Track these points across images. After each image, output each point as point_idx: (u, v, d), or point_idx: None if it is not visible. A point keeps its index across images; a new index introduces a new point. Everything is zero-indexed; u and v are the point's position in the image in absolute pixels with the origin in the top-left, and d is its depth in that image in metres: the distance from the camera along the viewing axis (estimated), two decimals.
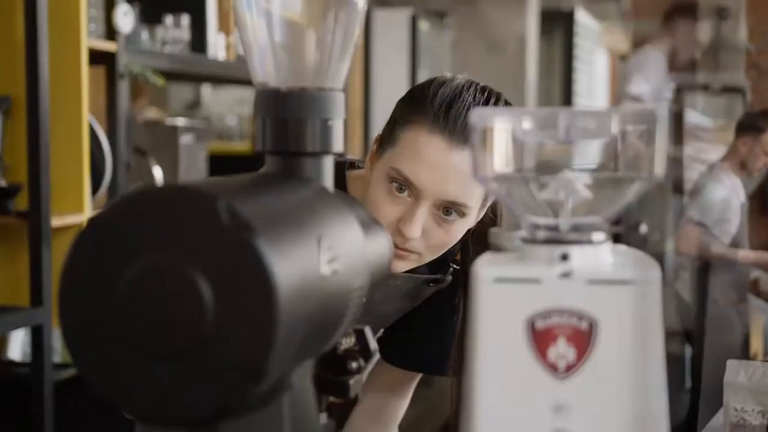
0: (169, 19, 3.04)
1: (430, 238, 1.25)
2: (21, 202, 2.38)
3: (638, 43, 9.25)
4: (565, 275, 0.64)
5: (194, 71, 3.23)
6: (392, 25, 4.69)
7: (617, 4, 9.35)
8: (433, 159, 1.21)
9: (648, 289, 0.64)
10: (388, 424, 1.48)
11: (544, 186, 0.68)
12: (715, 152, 6.42)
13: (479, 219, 1.32)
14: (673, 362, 4.37)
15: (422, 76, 5.56)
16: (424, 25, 4.84)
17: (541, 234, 0.67)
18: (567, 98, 7.49)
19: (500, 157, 0.68)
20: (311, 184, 0.73)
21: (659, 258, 4.39)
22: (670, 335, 5.37)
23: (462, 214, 1.24)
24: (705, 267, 4.30)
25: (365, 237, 0.76)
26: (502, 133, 0.67)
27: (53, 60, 2.38)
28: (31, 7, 2.31)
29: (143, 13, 2.92)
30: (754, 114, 4.58)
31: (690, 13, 4.48)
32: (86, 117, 2.48)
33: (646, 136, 0.65)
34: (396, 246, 1.24)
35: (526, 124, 0.67)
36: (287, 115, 0.74)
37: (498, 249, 0.74)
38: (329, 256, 0.66)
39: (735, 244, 4.38)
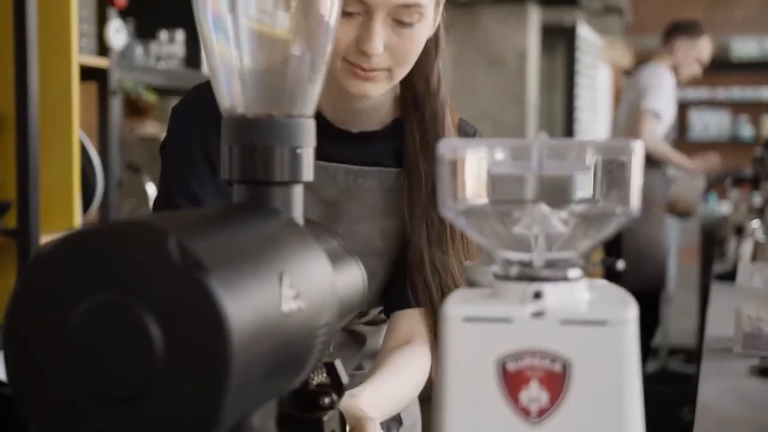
0: (163, 35, 3.02)
1: (394, 51, 1.21)
2: (10, 220, 2.35)
3: (640, 57, 9.26)
4: (538, 314, 0.61)
5: (188, 87, 3.20)
6: None
7: (620, 19, 9.34)
8: None
9: (624, 329, 0.61)
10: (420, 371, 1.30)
11: (517, 220, 0.65)
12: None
13: (436, 25, 1.28)
14: None
15: None
16: None
17: (514, 270, 0.64)
18: (569, 113, 7.47)
19: (470, 189, 0.65)
20: (278, 215, 0.70)
21: (660, 274, 4.35)
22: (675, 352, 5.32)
23: (419, 16, 1.20)
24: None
25: (335, 270, 0.73)
26: (473, 164, 0.64)
27: (44, 76, 2.36)
28: (20, 22, 2.29)
29: (137, 28, 2.89)
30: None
31: (688, 32, 4.45)
32: (77, 134, 2.45)
33: (623, 170, 0.62)
34: (362, 68, 1.20)
35: (498, 155, 0.64)
36: (254, 143, 0.71)
37: (471, 284, 0.72)
38: (292, 292, 0.63)
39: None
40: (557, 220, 0.64)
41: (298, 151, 0.72)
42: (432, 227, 1.29)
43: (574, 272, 0.64)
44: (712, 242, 4.59)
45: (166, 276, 0.54)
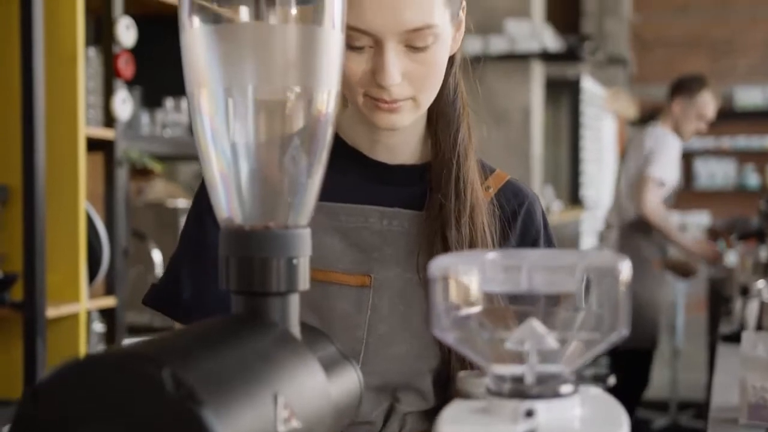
0: (169, 102, 3.05)
1: (413, 78, 1.14)
2: (16, 293, 2.36)
3: (645, 107, 9.30)
4: None
5: (194, 154, 3.24)
6: None
7: (624, 70, 9.42)
8: None
9: None
10: None
11: (509, 334, 0.66)
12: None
13: (458, 39, 1.22)
14: None
15: None
16: None
17: (506, 387, 0.65)
18: (575, 165, 7.50)
19: (461, 306, 0.66)
20: (273, 329, 0.71)
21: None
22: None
23: (433, 37, 1.13)
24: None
25: (329, 377, 0.73)
26: (464, 281, 0.65)
27: (51, 148, 2.39)
28: (28, 95, 2.32)
29: (144, 96, 2.93)
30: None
31: (686, 89, 4.43)
32: (83, 205, 2.47)
33: (612, 287, 0.63)
34: (384, 101, 1.14)
35: (489, 274, 0.65)
36: (251, 255, 0.72)
37: (464, 395, 0.72)
38: (287, 413, 0.64)
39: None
40: (549, 336, 0.65)
41: (294, 261, 0.73)
42: None
43: (566, 388, 0.64)
44: (720, 295, 4.57)
45: (161, 408, 0.55)
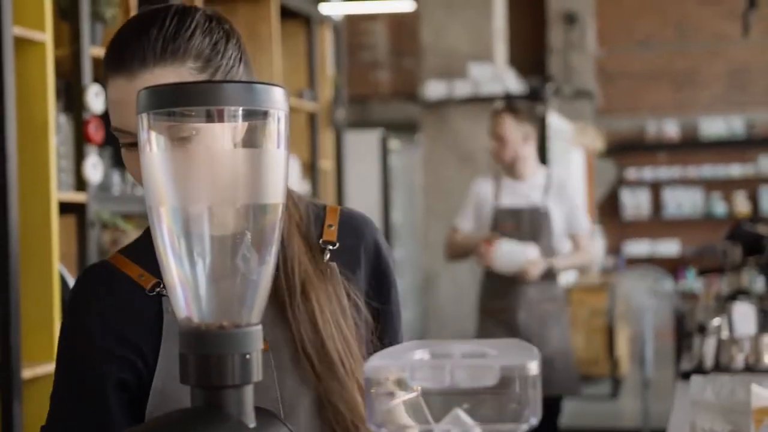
0: None
1: None
2: None
3: (612, 139, 9.44)
4: None
5: None
6: (364, 145, 4.80)
7: (590, 103, 9.58)
8: (123, 99, 1.17)
9: None
10: None
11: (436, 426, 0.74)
12: None
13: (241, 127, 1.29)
14: None
15: (395, 193, 5.69)
16: (394, 144, 4.96)
17: None
18: None
19: (393, 403, 0.74)
20: (228, 420, 0.80)
21: None
22: None
23: (195, 130, 1.15)
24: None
25: None
26: (395, 380, 0.74)
27: (24, 213, 2.45)
28: (1, 162, 2.39)
29: (114, 157, 3.01)
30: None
31: (496, 116, 4.25)
32: (56, 267, 2.54)
33: (522, 383, 0.72)
34: None
35: (417, 373, 0.73)
36: (208, 352, 0.81)
37: None
38: None
39: None
40: (473, 425, 0.74)
41: (248, 356, 0.82)
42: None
43: None
44: (685, 327, 4.64)
45: None
